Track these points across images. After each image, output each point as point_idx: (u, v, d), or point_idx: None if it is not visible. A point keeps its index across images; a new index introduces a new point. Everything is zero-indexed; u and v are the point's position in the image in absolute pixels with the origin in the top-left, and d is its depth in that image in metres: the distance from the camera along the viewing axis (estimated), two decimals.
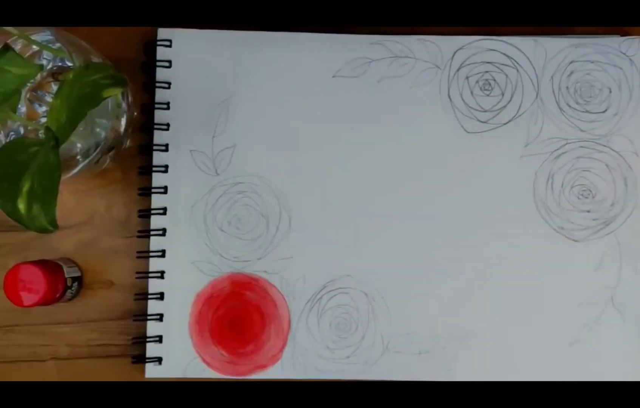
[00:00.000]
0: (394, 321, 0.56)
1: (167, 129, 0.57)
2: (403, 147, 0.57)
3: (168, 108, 0.57)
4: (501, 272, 0.57)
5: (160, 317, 0.56)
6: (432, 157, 0.57)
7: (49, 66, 0.50)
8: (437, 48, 0.57)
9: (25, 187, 0.43)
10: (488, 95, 0.57)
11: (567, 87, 0.58)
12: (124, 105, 0.53)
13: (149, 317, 0.56)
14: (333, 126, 0.57)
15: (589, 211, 0.57)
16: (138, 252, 0.56)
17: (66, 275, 0.54)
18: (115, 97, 0.52)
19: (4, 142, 0.49)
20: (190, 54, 0.57)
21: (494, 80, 0.58)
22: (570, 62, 0.58)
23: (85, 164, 0.50)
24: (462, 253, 0.57)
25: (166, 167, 0.56)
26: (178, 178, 0.56)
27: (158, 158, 0.56)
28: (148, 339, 0.56)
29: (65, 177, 0.48)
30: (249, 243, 0.57)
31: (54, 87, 0.50)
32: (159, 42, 0.57)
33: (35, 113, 0.50)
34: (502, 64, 0.58)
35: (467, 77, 0.57)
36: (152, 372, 0.56)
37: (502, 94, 0.57)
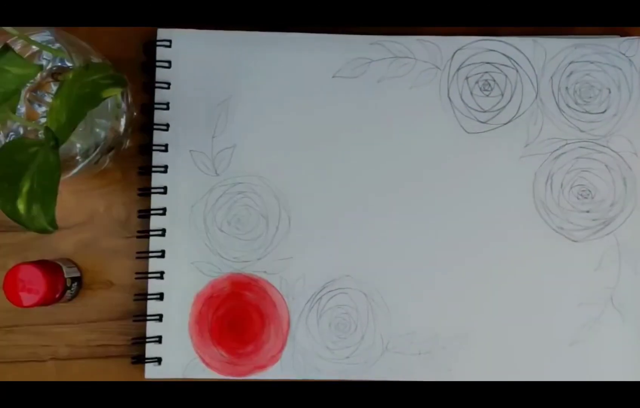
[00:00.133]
0: (393, 321, 0.56)
1: (167, 129, 0.57)
2: (403, 148, 0.57)
3: (168, 108, 0.57)
4: (501, 272, 0.57)
5: (159, 318, 0.56)
6: (432, 157, 0.57)
7: (49, 66, 0.50)
8: (437, 48, 0.57)
9: (25, 187, 0.42)
10: (488, 95, 0.57)
11: (567, 88, 0.58)
12: (123, 105, 0.53)
13: (148, 318, 0.56)
14: (333, 126, 0.57)
15: (588, 211, 0.57)
16: (138, 253, 0.56)
17: (66, 276, 0.54)
18: (115, 97, 0.52)
19: (3, 142, 0.49)
20: (190, 54, 0.57)
21: (494, 80, 0.58)
22: (570, 63, 0.58)
23: (85, 164, 0.50)
24: (461, 254, 0.57)
25: (166, 167, 0.56)
26: (178, 178, 0.56)
27: (158, 158, 0.56)
28: (148, 339, 0.56)
29: (65, 177, 0.48)
30: (248, 243, 0.57)
31: (54, 87, 0.50)
32: (158, 43, 0.57)
33: (34, 113, 0.50)
34: (502, 65, 0.58)
35: (466, 78, 0.57)
36: (151, 372, 0.56)
37: (502, 95, 0.58)
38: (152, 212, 0.56)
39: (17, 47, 0.48)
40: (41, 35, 0.49)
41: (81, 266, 0.57)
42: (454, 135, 0.57)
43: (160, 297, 0.56)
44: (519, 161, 0.57)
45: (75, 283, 0.55)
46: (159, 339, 0.56)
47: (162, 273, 0.56)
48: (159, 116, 0.57)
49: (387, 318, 0.56)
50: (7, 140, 0.50)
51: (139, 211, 0.57)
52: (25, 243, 0.56)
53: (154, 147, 0.56)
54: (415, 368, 0.56)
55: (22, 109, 0.50)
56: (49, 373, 0.56)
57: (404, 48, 0.57)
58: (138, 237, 0.57)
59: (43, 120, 0.50)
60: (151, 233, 0.56)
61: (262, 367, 0.56)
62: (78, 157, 0.50)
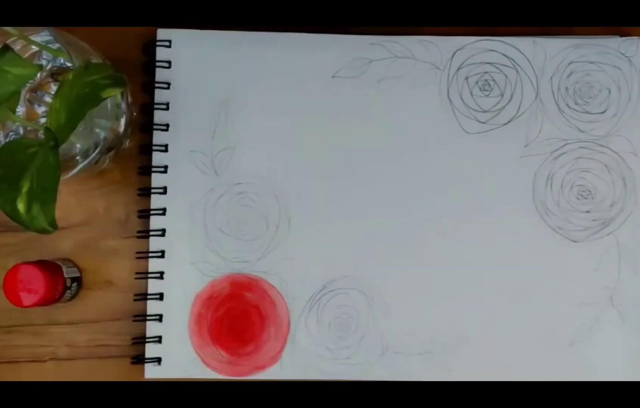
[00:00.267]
0: (393, 321, 0.56)
1: (167, 130, 0.56)
2: (403, 148, 0.57)
3: (167, 108, 0.57)
4: (500, 272, 0.57)
5: (159, 318, 0.56)
6: (432, 157, 0.57)
7: (49, 66, 0.50)
8: (437, 48, 0.57)
9: (25, 187, 0.42)
10: (487, 95, 0.58)
11: (567, 88, 0.58)
12: (123, 105, 0.53)
13: (148, 318, 0.56)
14: (333, 126, 0.57)
15: (588, 211, 0.57)
16: (137, 253, 0.56)
17: (65, 276, 0.54)
18: (114, 98, 0.52)
19: (3, 143, 0.49)
20: (190, 55, 0.57)
21: (494, 80, 0.58)
22: (570, 63, 0.58)
23: (85, 164, 0.50)
24: (461, 254, 0.57)
25: (165, 167, 0.56)
26: (177, 178, 0.56)
27: (157, 158, 0.56)
28: (147, 339, 0.56)
29: (64, 177, 0.48)
30: (248, 243, 0.56)
31: (54, 87, 0.50)
32: (158, 43, 0.57)
33: (34, 113, 0.50)
34: (502, 65, 0.58)
35: (466, 78, 0.57)
36: (151, 372, 0.56)
37: (502, 95, 0.58)
38: (152, 212, 0.56)
39: (17, 47, 0.48)
40: (41, 35, 0.49)
41: (81, 266, 0.57)
42: (453, 135, 0.57)
43: (160, 297, 0.56)
44: (518, 161, 0.57)
45: (75, 284, 0.55)
46: (158, 339, 0.56)
47: (162, 273, 0.56)
48: (159, 116, 0.57)
49: (387, 318, 0.56)
50: (7, 140, 0.50)
51: (139, 211, 0.57)
52: (25, 243, 0.56)
53: (154, 147, 0.56)
54: (415, 368, 0.56)
55: (21, 109, 0.50)
56: (48, 373, 0.56)
57: (404, 48, 0.57)
58: (138, 237, 0.57)
59: (43, 120, 0.50)
60: (151, 233, 0.56)
61: (262, 367, 0.56)
62: (78, 157, 0.50)
